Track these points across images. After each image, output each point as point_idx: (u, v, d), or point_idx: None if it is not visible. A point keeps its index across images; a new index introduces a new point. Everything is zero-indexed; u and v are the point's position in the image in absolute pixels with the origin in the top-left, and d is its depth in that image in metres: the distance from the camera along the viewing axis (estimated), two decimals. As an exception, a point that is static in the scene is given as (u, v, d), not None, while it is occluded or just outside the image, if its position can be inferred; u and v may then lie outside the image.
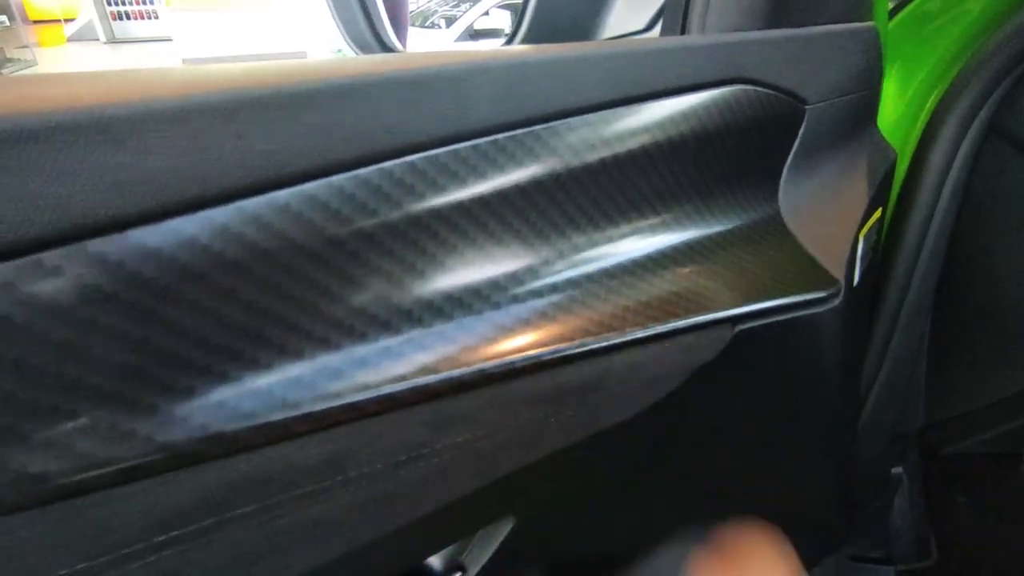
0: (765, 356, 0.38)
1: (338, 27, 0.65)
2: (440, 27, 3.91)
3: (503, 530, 0.33)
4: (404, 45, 0.72)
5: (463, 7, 3.85)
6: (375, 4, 0.66)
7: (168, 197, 0.22)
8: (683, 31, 0.38)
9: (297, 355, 0.26)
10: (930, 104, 0.60)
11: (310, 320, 0.26)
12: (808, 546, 0.52)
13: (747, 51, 0.35)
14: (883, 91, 0.52)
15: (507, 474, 0.30)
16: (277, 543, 0.26)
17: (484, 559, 0.34)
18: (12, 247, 0.19)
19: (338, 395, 0.26)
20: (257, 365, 0.25)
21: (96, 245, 0.21)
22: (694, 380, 0.34)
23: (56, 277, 0.20)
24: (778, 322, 0.36)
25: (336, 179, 0.25)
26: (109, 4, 8.45)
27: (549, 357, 0.30)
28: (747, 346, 0.35)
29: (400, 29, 0.78)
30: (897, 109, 0.61)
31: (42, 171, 0.20)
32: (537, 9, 0.43)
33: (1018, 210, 0.58)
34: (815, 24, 0.38)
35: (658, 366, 0.33)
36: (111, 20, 8.54)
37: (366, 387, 0.27)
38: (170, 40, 6.59)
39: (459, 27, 3.75)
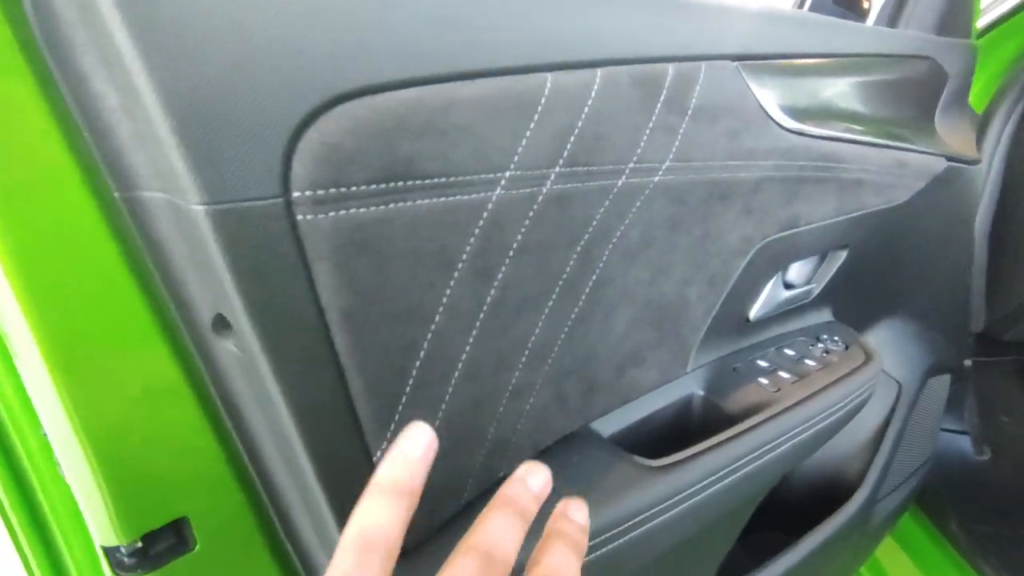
0: (949, 186, 0.69)
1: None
2: None
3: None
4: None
5: None
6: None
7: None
8: (894, 26, 0.72)
9: None
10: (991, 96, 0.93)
11: None
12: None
13: (929, 43, 0.68)
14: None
15: None
16: None
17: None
18: None
19: None
20: None
21: None
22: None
23: None
24: (958, 166, 0.68)
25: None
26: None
27: None
28: (949, 175, 0.66)
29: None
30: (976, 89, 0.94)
31: None
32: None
33: None
34: (953, 36, 0.71)
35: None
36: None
37: None
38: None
39: None
